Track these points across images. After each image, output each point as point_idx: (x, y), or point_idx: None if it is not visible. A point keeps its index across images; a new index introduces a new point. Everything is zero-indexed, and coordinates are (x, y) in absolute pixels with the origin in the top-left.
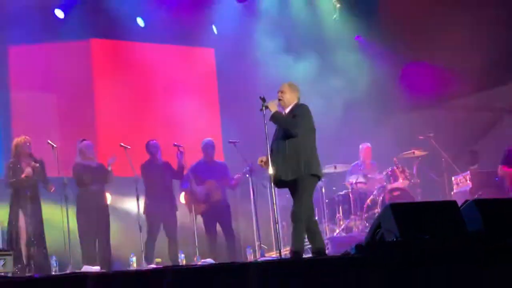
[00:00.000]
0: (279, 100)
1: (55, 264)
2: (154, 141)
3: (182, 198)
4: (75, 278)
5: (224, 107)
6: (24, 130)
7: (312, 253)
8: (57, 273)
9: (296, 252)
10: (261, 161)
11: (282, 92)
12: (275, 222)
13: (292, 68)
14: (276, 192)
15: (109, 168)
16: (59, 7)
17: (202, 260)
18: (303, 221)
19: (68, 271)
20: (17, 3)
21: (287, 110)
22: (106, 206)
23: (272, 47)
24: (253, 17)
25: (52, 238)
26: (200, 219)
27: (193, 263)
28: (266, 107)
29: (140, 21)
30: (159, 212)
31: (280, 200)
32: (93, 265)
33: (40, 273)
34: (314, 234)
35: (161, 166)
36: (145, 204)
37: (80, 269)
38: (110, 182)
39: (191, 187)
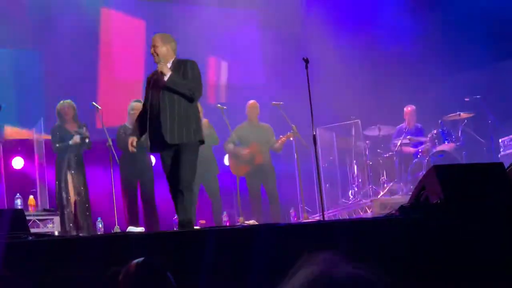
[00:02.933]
0: (152, 55)
1: (100, 225)
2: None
3: (226, 159)
4: (119, 238)
5: (268, 68)
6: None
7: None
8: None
9: (189, 222)
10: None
11: (154, 46)
12: (319, 184)
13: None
14: (320, 154)
15: None
16: None
17: (246, 222)
18: (193, 191)
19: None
20: None
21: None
22: (151, 168)
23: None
24: None
25: (97, 200)
26: (244, 180)
27: (237, 224)
28: (161, 72)
29: None
30: (200, 174)
31: (323, 162)
32: (138, 226)
33: (86, 233)
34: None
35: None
36: None
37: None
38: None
39: (235, 149)
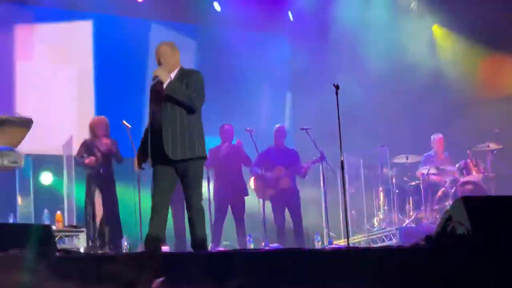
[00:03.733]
0: (158, 63)
1: (126, 243)
2: (229, 125)
3: (251, 183)
4: (144, 257)
5: (295, 93)
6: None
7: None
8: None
9: (203, 241)
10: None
11: (162, 54)
12: (345, 210)
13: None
14: (347, 180)
15: None
16: None
17: (270, 245)
18: (203, 209)
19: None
20: None
21: (171, 76)
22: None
23: (345, 34)
24: (327, 5)
25: (124, 217)
26: (269, 204)
27: (261, 248)
28: (156, 77)
29: (216, 6)
30: (227, 196)
31: (349, 188)
32: (163, 245)
33: (112, 251)
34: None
35: (232, 151)
36: (214, 188)
37: None
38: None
39: (261, 172)
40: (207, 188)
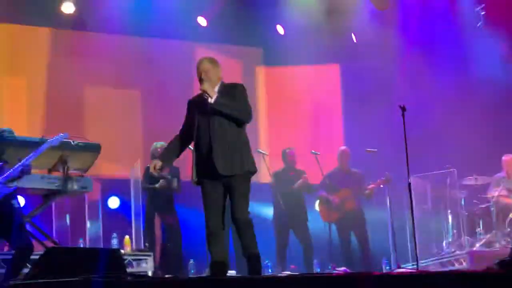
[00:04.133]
0: (202, 81)
1: (192, 267)
2: (291, 149)
3: (317, 205)
4: (213, 282)
5: (362, 113)
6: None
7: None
8: (194, 275)
9: (257, 256)
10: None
11: (204, 71)
12: (413, 233)
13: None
14: (414, 203)
15: None
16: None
17: (337, 269)
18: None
19: (204, 275)
20: None
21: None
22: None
23: (410, 53)
24: (391, 26)
25: (188, 239)
26: (334, 227)
27: (327, 271)
28: (204, 92)
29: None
30: (289, 219)
31: (417, 211)
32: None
33: (177, 274)
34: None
35: (295, 174)
36: (274, 212)
37: None
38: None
39: (326, 195)
40: (273, 210)
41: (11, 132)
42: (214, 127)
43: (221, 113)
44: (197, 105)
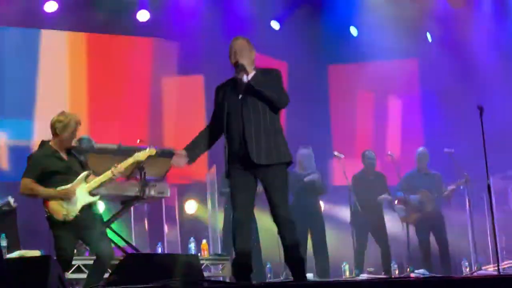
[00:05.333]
0: (239, 63)
1: (269, 271)
2: (370, 152)
3: (395, 207)
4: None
5: (441, 114)
6: None
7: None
8: (271, 280)
9: (302, 260)
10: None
11: (241, 50)
12: (493, 235)
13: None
14: (494, 203)
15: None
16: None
17: (416, 271)
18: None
19: (281, 279)
20: None
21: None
22: (320, 216)
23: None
24: (467, 24)
25: (267, 245)
26: (413, 228)
27: (406, 274)
28: (242, 67)
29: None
30: (367, 222)
31: (497, 212)
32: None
33: (255, 279)
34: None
35: (374, 178)
36: (352, 214)
37: None
38: (325, 193)
39: (405, 196)
40: (350, 213)
41: (89, 140)
42: (248, 112)
43: (258, 94)
44: (228, 89)
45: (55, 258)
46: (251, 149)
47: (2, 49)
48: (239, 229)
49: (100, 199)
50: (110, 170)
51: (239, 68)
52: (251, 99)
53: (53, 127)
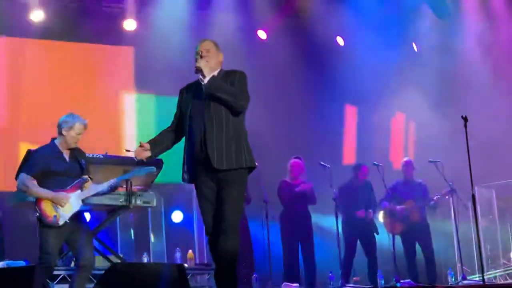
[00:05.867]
0: (202, 57)
1: (255, 281)
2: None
3: (381, 217)
4: None
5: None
6: None
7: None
8: None
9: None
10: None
11: (207, 50)
12: (478, 244)
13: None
14: (479, 213)
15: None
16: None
17: (401, 281)
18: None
19: None
20: None
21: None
22: (310, 226)
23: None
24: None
25: (256, 255)
26: (399, 238)
27: (392, 284)
28: (198, 70)
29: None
30: (356, 231)
31: (482, 222)
32: (293, 282)
33: None
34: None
35: (360, 185)
36: (342, 223)
37: (280, 286)
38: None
39: (390, 206)
40: (336, 222)
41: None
42: (209, 115)
43: (214, 97)
44: (190, 91)
45: (39, 261)
46: (212, 153)
47: None
48: (214, 244)
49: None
50: (107, 182)
51: (195, 70)
52: (214, 103)
53: (59, 126)
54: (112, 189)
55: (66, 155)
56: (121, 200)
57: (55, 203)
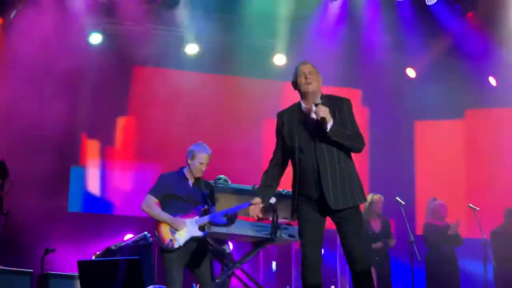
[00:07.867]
0: (308, 83)
1: None
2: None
3: None
4: None
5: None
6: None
7: None
8: None
9: None
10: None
11: (310, 72)
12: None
13: None
14: None
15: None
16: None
17: None
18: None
19: None
20: None
21: (315, 101)
22: (457, 270)
23: None
24: None
25: None
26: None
27: None
28: (323, 120)
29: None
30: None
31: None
32: None
33: None
34: None
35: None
36: (494, 271)
37: None
38: (458, 245)
39: None
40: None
41: (226, 180)
42: (321, 151)
43: (336, 143)
44: (293, 119)
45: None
46: (328, 195)
47: None
48: (312, 273)
49: (231, 238)
50: (222, 211)
51: (315, 112)
52: (326, 143)
53: (187, 154)
54: (230, 219)
55: (191, 181)
56: (266, 233)
57: (172, 227)
